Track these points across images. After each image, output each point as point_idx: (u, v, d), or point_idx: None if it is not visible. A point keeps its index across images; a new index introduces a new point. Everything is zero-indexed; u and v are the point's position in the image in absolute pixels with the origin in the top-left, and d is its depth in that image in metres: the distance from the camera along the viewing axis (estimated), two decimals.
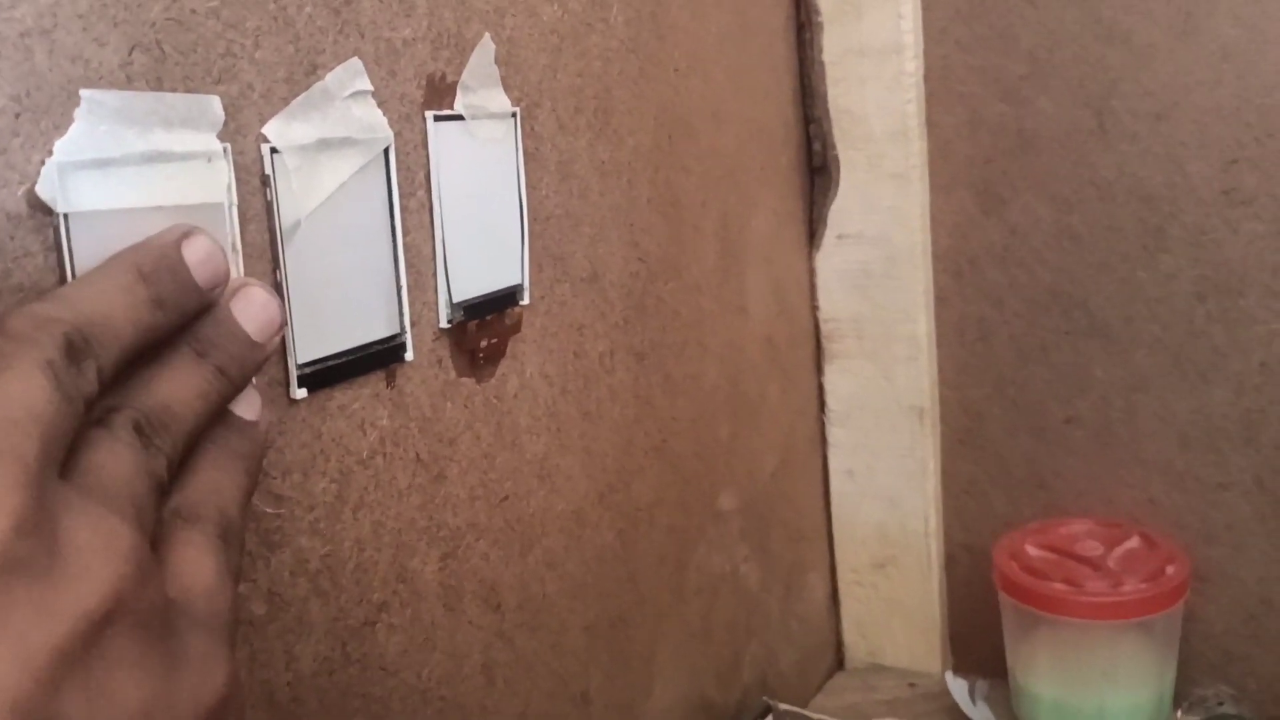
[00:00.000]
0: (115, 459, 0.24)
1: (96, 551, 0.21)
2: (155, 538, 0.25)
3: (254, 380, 0.30)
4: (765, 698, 0.67)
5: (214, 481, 0.27)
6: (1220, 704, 0.72)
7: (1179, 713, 0.69)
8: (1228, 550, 0.71)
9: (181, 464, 0.27)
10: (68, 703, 0.20)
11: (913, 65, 0.72)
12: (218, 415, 0.28)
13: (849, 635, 0.82)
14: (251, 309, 0.29)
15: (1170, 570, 0.66)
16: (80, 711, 0.20)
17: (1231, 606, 0.71)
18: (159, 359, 0.27)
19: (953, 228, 0.75)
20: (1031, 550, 0.70)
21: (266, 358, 0.30)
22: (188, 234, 0.28)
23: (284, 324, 0.31)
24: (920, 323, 0.75)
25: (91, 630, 0.20)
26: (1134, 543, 0.70)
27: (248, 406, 0.29)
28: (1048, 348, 0.74)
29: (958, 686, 0.75)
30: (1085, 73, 0.70)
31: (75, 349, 0.23)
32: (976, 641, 0.79)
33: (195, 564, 0.25)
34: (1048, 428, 0.75)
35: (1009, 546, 0.71)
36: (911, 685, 0.79)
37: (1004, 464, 0.77)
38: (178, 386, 0.27)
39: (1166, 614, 0.65)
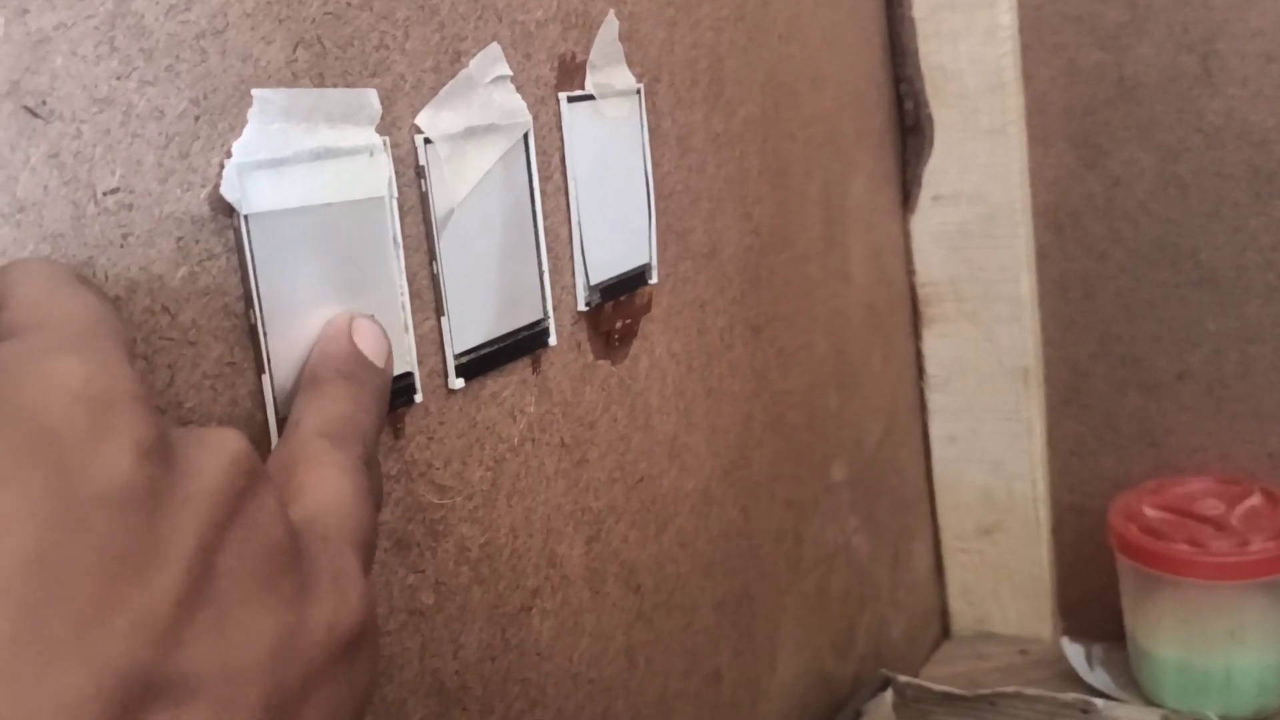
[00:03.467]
0: None
1: (204, 462, 0.19)
2: (291, 459, 0.24)
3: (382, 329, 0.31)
4: (883, 670, 0.66)
5: (351, 412, 0.27)
6: None
7: None
8: None
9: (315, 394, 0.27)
10: (194, 655, 0.17)
11: (1007, 17, 0.70)
12: (353, 355, 0.29)
13: (954, 603, 0.81)
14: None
15: None
16: (210, 660, 0.17)
17: None
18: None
19: (1052, 182, 0.74)
20: (1149, 511, 0.69)
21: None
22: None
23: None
24: (1022, 281, 0.73)
25: (206, 556, 0.18)
26: (1256, 500, 0.68)
27: (377, 353, 0.29)
28: (1156, 301, 0.72)
29: (1074, 652, 0.74)
30: (1188, 16, 0.68)
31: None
32: (1088, 606, 0.78)
33: (333, 483, 0.23)
34: (1158, 384, 0.73)
35: (1125, 508, 0.69)
36: (1023, 652, 0.78)
37: (1113, 423, 0.75)
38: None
39: None
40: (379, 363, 0.29)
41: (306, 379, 0.28)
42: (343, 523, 0.22)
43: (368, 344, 0.29)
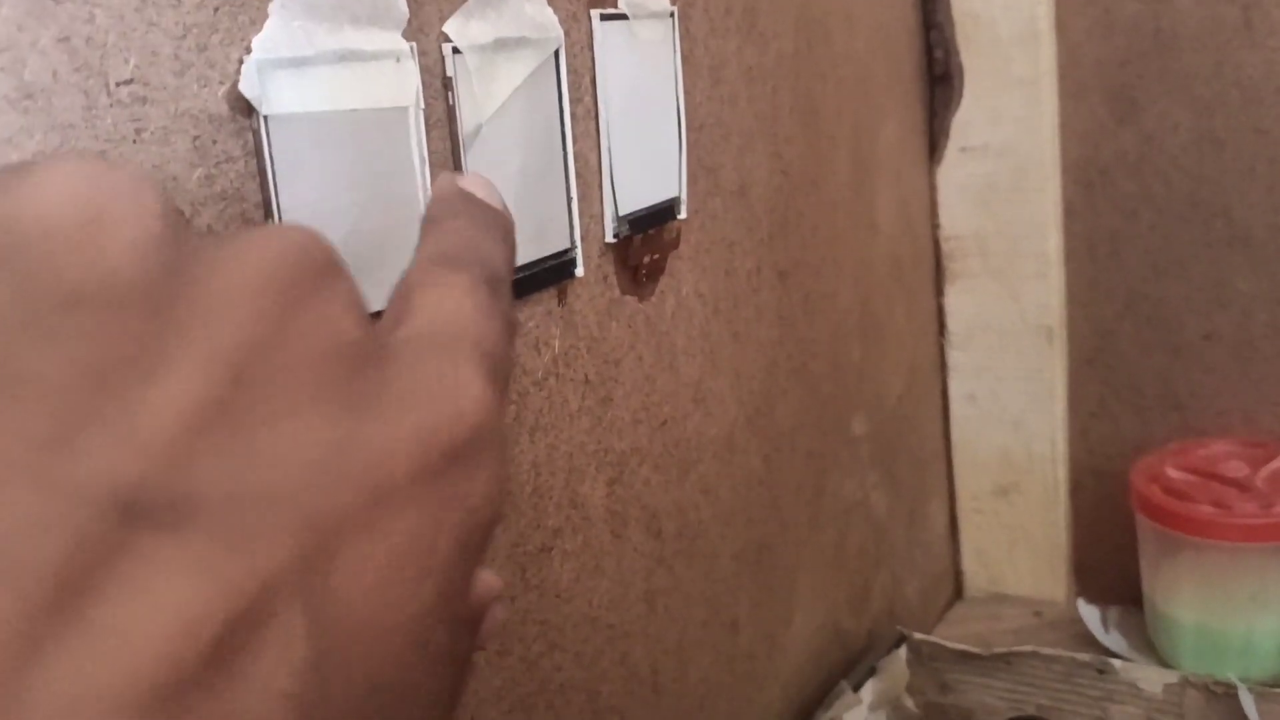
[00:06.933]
0: None
1: (246, 256, 0.15)
2: (403, 289, 0.20)
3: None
4: (899, 628, 0.65)
5: (471, 239, 0.22)
6: None
7: None
8: None
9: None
10: (201, 474, 0.14)
11: None
12: (466, 195, 0.24)
13: (968, 564, 0.81)
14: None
15: None
16: (222, 480, 0.14)
17: None
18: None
19: (1083, 136, 0.72)
20: (1172, 472, 0.68)
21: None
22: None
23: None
24: (1050, 238, 0.72)
25: (232, 362, 0.14)
26: None
27: (489, 197, 0.25)
28: (1185, 260, 0.71)
29: (1090, 613, 0.73)
30: None
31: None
32: (1104, 569, 0.77)
33: (448, 298, 0.19)
34: (1184, 345, 0.72)
35: (1147, 469, 0.68)
36: (1036, 614, 0.77)
37: (1136, 384, 0.74)
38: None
39: None
40: (496, 205, 0.24)
41: (422, 229, 0.23)
42: (459, 333, 0.18)
43: (480, 190, 0.24)
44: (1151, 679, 0.61)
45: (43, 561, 0.12)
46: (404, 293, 0.19)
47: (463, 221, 0.22)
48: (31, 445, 0.13)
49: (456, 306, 0.19)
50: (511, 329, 0.20)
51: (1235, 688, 0.57)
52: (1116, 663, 0.62)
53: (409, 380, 0.16)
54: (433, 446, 0.16)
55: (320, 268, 0.16)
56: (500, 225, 0.23)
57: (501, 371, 0.19)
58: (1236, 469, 0.67)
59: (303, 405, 0.15)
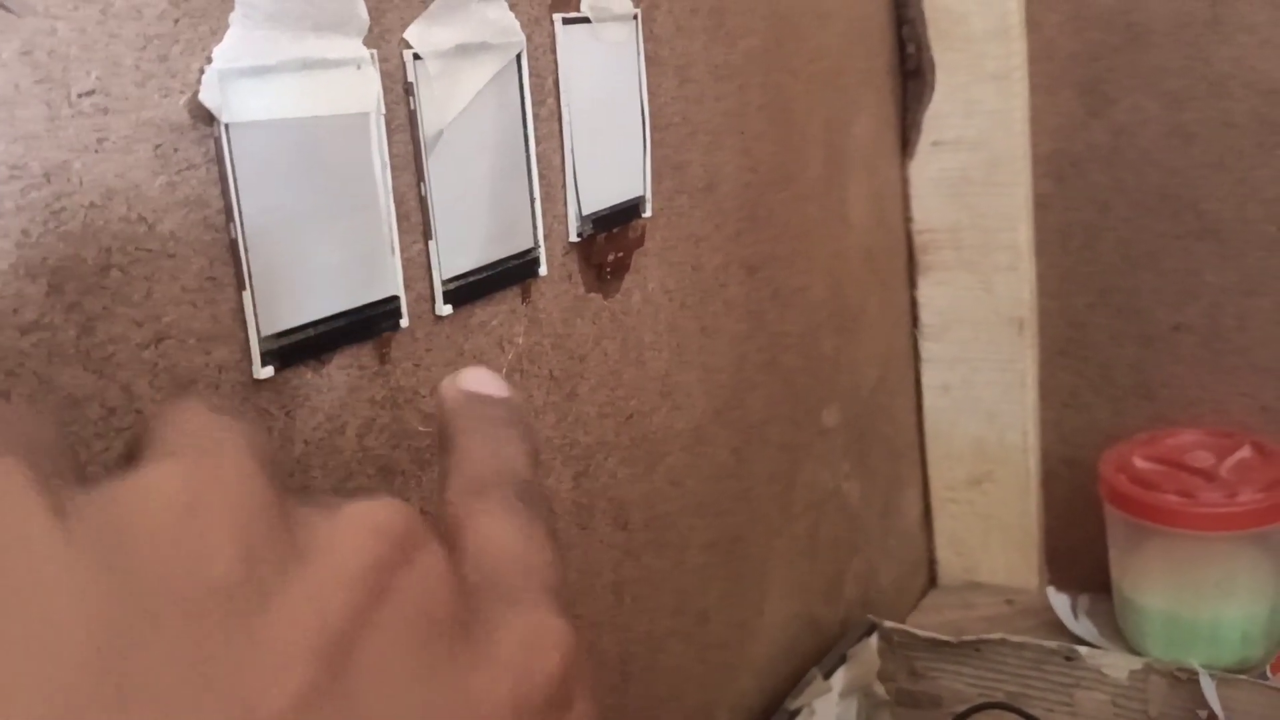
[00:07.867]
0: None
1: (338, 543, 0.17)
2: (444, 533, 0.21)
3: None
4: (870, 616, 0.66)
5: (489, 456, 0.23)
6: None
7: None
8: None
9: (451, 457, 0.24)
10: None
11: None
12: (468, 398, 0.25)
13: (942, 552, 0.82)
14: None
15: None
16: None
17: None
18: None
19: (1055, 130, 0.72)
20: (1140, 462, 0.69)
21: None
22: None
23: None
24: (1022, 230, 0.73)
25: (338, 649, 0.15)
26: (1246, 452, 0.68)
27: (492, 387, 0.26)
28: (1155, 252, 0.72)
29: (1060, 601, 0.74)
30: None
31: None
32: (1075, 557, 0.78)
33: (490, 533, 0.20)
34: (1155, 336, 0.73)
35: (1116, 458, 0.69)
36: (1009, 602, 0.78)
37: (1108, 374, 0.75)
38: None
39: None
40: (499, 394, 0.25)
41: (439, 446, 0.25)
42: (521, 576, 0.19)
43: (478, 384, 0.25)
44: (1117, 665, 0.62)
45: None
46: (450, 528, 0.21)
47: (478, 438, 0.23)
48: None
49: (505, 543, 0.20)
50: (552, 535, 0.21)
51: (1197, 674, 0.58)
52: (1083, 650, 0.63)
53: (497, 643, 0.17)
54: (530, 702, 0.17)
55: (410, 541, 0.17)
56: (513, 420, 0.24)
57: (563, 594, 0.20)
58: (1203, 459, 0.68)
59: (406, 679, 0.16)
